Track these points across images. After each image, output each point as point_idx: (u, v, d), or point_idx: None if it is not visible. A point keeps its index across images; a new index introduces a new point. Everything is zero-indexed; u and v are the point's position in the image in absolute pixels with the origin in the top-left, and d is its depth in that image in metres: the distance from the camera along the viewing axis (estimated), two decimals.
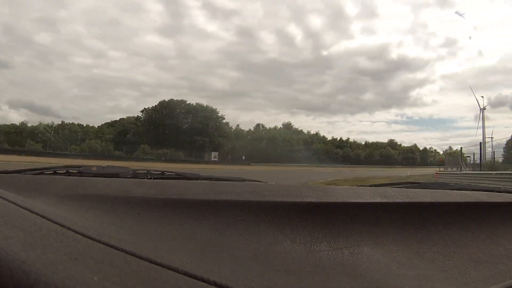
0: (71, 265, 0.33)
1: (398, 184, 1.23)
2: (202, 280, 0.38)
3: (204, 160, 42.33)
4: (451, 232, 0.76)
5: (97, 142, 42.59)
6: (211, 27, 77.07)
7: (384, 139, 68.96)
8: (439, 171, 26.07)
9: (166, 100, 48.12)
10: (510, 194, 1.05)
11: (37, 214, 0.48)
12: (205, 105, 49.70)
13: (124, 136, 44.83)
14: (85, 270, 0.33)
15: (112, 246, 0.41)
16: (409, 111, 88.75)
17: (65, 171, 1.14)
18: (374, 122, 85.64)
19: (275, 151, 47.61)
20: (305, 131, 57.57)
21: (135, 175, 1.17)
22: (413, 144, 67.54)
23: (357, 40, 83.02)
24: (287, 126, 56.95)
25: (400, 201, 0.84)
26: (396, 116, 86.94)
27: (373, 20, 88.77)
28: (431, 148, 70.64)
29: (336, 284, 0.53)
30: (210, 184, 0.91)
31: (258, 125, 57.79)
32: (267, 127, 56.72)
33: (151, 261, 0.39)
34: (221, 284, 0.39)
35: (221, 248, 0.60)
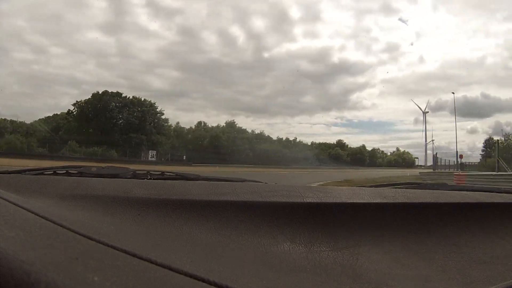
0: (72, 265, 0.33)
1: (397, 184, 1.25)
2: (203, 280, 0.38)
3: (140, 160, 38.74)
4: (451, 233, 0.75)
5: (18, 137, 37.10)
6: (154, 25, 73.01)
7: (323, 141, 68.53)
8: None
9: (100, 92, 43.94)
10: (510, 195, 1.07)
11: (37, 214, 0.48)
12: (142, 99, 45.26)
13: (57, 133, 40.06)
14: (85, 270, 0.33)
15: (112, 247, 0.42)
16: (348, 114, 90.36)
17: (65, 171, 1.15)
18: (314, 124, 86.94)
19: (218, 150, 44.17)
20: (249, 131, 54.93)
21: (135, 175, 1.19)
22: (361, 145, 67.77)
23: (299, 43, 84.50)
24: (231, 125, 53.48)
25: (400, 201, 0.85)
26: (335, 118, 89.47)
27: (316, 24, 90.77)
28: (379, 149, 71.40)
29: (336, 284, 0.54)
30: (210, 185, 0.92)
31: (200, 123, 53.63)
32: (210, 126, 53.24)
33: (151, 262, 0.40)
34: (222, 284, 0.39)
35: (221, 248, 0.60)
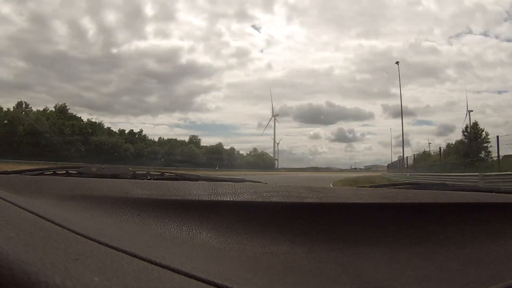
0: (72, 265, 0.33)
1: (397, 185, 1.26)
2: (202, 280, 0.39)
3: None
4: (451, 233, 0.75)
5: None
6: (5, 9, 57.07)
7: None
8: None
9: None
10: (510, 195, 1.07)
11: (37, 214, 0.48)
12: None
13: None
14: (85, 270, 0.33)
15: (112, 247, 0.42)
16: (192, 116, 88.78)
17: (64, 171, 1.13)
18: (157, 125, 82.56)
19: (37, 141, 34.38)
20: (85, 119, 43.88)
21: (135, 176, 1.19)
22: (218, 143, 61.64)
23: (149, 41, 79.49)
24: (62, 109, 41.81)
25: (400, 201, 0.85)
26: (179, 120, 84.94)
27: (169, 23, 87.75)
28: (237, 151, 65.65)
29: (336, 284, 0.54)
30: (210, 185, 0.92)
31: (20, 103, 39.41)
32: (35, 110, 40.87)
33: (151, 262, 0.40)
34: (221, 284, 0.39)
35: (221, 248, 0.61)
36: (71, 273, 0.32)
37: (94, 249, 0.40)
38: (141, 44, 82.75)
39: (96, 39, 73.61)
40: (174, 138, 57.48)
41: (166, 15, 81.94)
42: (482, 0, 73.93)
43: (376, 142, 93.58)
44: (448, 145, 30.78)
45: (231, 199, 0.76)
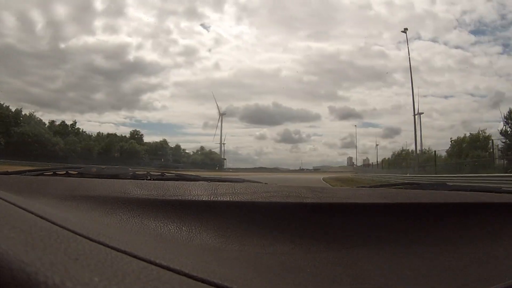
0: (72, 265, 0.34)
1: (397, 185, 1.27)
2: (202, 281, 0.39)
3: None
4: (451, 233, 0.75)
5: None
6: None
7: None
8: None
9: None
10: (510, 195, 1.08)
11: (37, 215, 0.49)
12: None
13: None
14: (85, 270, 0.33)
15: (112, 247, 0.42)
16: (138, 115, 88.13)
17: (64, 172, 1.12)
18: (103, 123, 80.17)
19: None
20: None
21: (135, 176, 1.17)
22: (162, 139, 57.49)
23: (97, 37, 77.62)
24: None
25: (400, 201, 0.85)
26: (125, 118, 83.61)
27: (118, 19, 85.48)
28: (182, 149, 61.92)
29: (336, 284, 0.54)
30: (210, 185, 0.92)
31: None
32: None
33: (151, 262, 0.40)
34: (221, 285, 0.39)
35: (221, 249, 0.61)
36: (71, 273, 0.32)
37: (94, 249, 0.40)
38: (90, 39, 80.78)
39: (44, 32, 70.41)
40: (113, 133, 52.32)
41: (116, 10, 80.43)
42: (433, 7, 77.19)
43: (322, 143, 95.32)
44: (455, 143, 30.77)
45: (231, 199, 0.77)
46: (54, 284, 0.30)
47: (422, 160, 31.22)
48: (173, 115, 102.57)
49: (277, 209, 0.74)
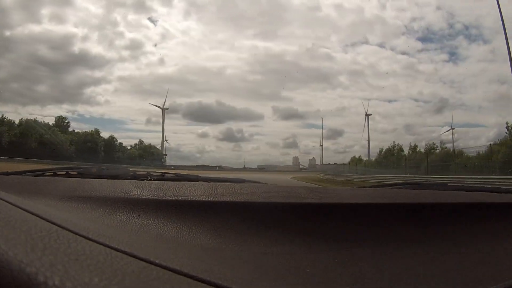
0: (72, 266, 0.34)
1: (398, 185, 1.27)
2: (202, 281, 0.39)
3: None
4: (451, 233, 0.75)
5: None
6: None
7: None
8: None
9: None
10: (510, 195, 1.08)
11: (37, 215, 0.49)
12: None
13: None
14: (85, 271, 0.34)
15: (112, 248, 0.42)
16: (81, 109, 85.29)
17: (65, 172, 1.11)
18: (45, 116, 76.87)
19: None
20: None
21: (135, 176, 1.17)
22: (93, 129, 50.64)
23: (43, 25, 72.09)
24: None
25: (400, 201, 0.85)
26: (67, 112, 78.35)
27: (65, 8, 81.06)
28: (118, 142, 55.45)
29: (336, 284, 0.54)
30: (210, 186, 0.93)
31: None
32: None
33: (151, 262, 0.40)
34: (221, 285, 0.39)
35: (221, 249, 0.61)
36: (71, 274, 0.32)
37: (94, 250, 0.40)
38: (36, 28, 74.64)
39: None
40: (33, 119, 45.54)
41: None
42: (383, 13, 78.34)
43: (264, 142, 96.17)
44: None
45: (231, 199, 0.77)
46: (54, 284, 0.30)
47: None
48: (116, 110, 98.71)
49: (277, 209, 0.74)
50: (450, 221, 0.80)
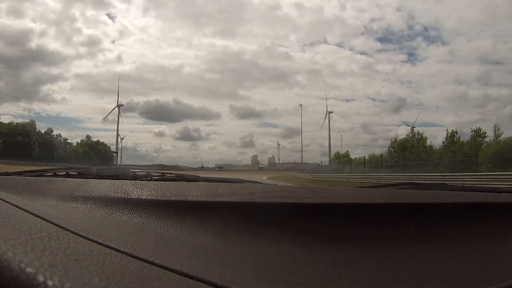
0: (71, 266, 0.34)
1: (398, 185, 1.27)
2: (202, 281, 0.39)
3: None
4: (451, 233, 0.75)
5: None
6: None
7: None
8: None
9: None
10: (510, 194, 1.08)
11: (38, 216, 0.49)
12: None
13: None
14: (85, 271, 0.34)
15: (112, 248, 0.42)
16: (37, 107, 79.28)
17: (65, 172, 1.11)
18: (1, 114, 69.04)
19: None
20: None
21: (135, 177, 1.16)
22: (29, 120, 43.78)
23: (1, 20, 67.80)
24: None
25: (400, 201, 0.85)
26: (24, 110, 72.12)
27: (24, 2, 75.81)
28: (59, 135, 47.85)
29: (336, 284, 0.54)
30: (210, 186, 0.93)
31: None
32: None
33: (151, 263, 0.40)
34: (221, 285, 0.39)
35: (221, 249, 0.61)
36: (70, 274, 0.32)
37: (94, 250, 0.40)
38: None
39: None
40: None
41: None
42: (342, 13, 75.90)
43: (221, 142, 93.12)
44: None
45: (231, 200, 0.77)
46: (54, 284, 0.30)
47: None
48: (73, 108, 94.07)
49: (277, 209, 0.74)
50: (450, 221, 0.80)
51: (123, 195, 0.76)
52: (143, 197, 0.75)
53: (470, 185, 1.37)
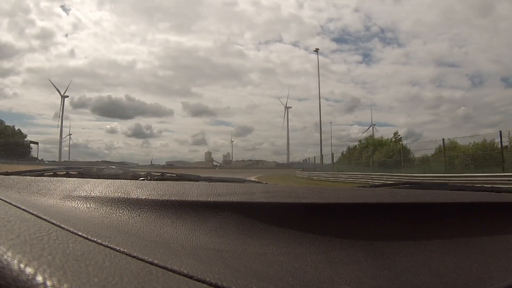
0: (71, 266, 0.34)
1: (397, 185, 1.27)
2: (202, 281, 0.39)
3: None
4: (451, 232, 0.76)
5: None
6: None
7: None
8: None
9: None
10: (510, 194, 1.08)
11: (37, 215, 0.49)
12: None
13: None
14: (84, 271, 0.34)
15: (112, 248, 0.42)
16: None
17: (65, 172, 1.12)
18: None
19: None
20: None
21: (135, 176, 1.17)
22: None
23: None
24: None
25: (399, 201, 0.85)
26: None
27: None
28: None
29: (336, 284, 0.54)
30: (210, 186, 0.93)
31: None
32: None
33: (151, 263, 0.40)
34: (221, 285, 0.39)
35: (221, 249, 0.61)
36: (70, 274, 0.32)
37: (93, 250, 0.40)
38: None
39: None
40: None
41: None
42: (300, 12, 77.21)
43: (173, 139, 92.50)
44: None
45: (231, 199, 0.77)
46: (53, 284, 0.30)
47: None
48: (24, 104, 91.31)
49: (276, 209, 0.75)
50: (450, 221, 0.80)
51: (123, 195, 0.76)
52: (143, 197, 0.75)
53: (470, 185, 1.34)
